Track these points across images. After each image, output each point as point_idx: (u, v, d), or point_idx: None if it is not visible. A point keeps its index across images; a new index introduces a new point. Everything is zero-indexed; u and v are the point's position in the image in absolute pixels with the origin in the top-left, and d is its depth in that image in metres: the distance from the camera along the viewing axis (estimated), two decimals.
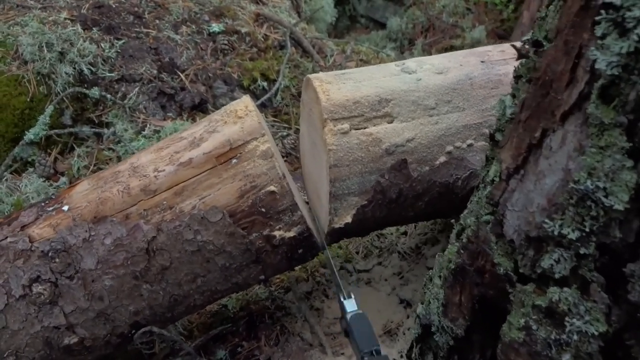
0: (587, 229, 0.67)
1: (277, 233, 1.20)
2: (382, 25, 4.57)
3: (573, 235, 0.68)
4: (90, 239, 1.15)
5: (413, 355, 1.19)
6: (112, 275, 1.16)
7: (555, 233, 0.70)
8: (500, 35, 4.05)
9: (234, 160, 1.18)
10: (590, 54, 0.62)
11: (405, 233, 1.75)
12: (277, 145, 2.27)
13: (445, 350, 1.07)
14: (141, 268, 1.16)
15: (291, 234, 1.21)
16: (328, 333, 1.46)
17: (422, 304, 1.10)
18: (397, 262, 1.64)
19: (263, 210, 1.18)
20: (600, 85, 0.63)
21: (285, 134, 2.38)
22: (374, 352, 0.99)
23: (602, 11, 0.60)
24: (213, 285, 1.24)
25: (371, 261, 1.68)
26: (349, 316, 1.07)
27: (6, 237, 1.17)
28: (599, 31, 0.61)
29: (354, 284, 1.59)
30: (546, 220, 0.71)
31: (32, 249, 1.15)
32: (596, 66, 0.60)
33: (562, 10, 0.73)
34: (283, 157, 2.28)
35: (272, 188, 1.17)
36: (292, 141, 2.33)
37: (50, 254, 1.14)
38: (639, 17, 0.55)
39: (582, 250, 0.69)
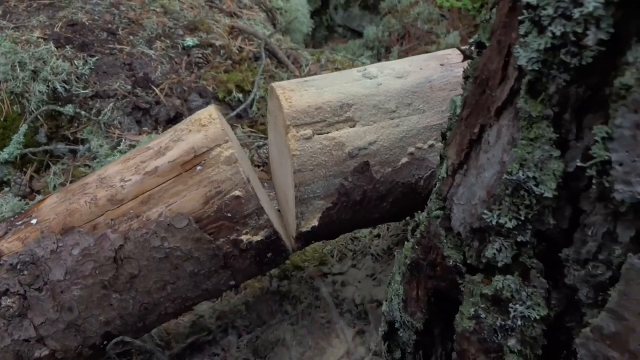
0: (522, 218, 0.70)
1: (244, 237, 1.22)
2: (359, 34, 4.63)
3: (510, 224, 0.71)
4: (58, 250, 1.17)
5: (383, 352, 1.22)
6: (80, 286, 1.17)
7: (494, 223, 0.73)
8: None
9: (199, 167, 1.20)
10: (515, 52, 0.65)
11: (378, 235, 1.78)
12: (252, 155, 2.30)
13: (411, 346, 1.09)
14: (109, 277, 1.18)
15: (258, 237, 1.24)
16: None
17: (385, 301, 1.12)
18: (370, 264, 1.67)
19: (229, 215, 1.20)
20: (527, 81, 0.66)
21: (261, 143, 2.40)
22: None
23: (524, 11, 0.64)
24: (183, 292, 1.25)
25: (346, 264, 1.70)
26: None
27: None
28: (522, 30, 0.64)
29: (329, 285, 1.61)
30: (485, 211, 0.74)
31: (1, 262, 1.16)
32: (518, 62, 0.64)
33: (496, 11, 0.77)
34: (259, 166, 2.31)
35: (237, 193, 1.20)
36: (268, 151, 2.35)
37: (18, 267, 1.16)
38: (552, 15, 0.58)
39: (519, 238, 0.72)
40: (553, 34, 0.59)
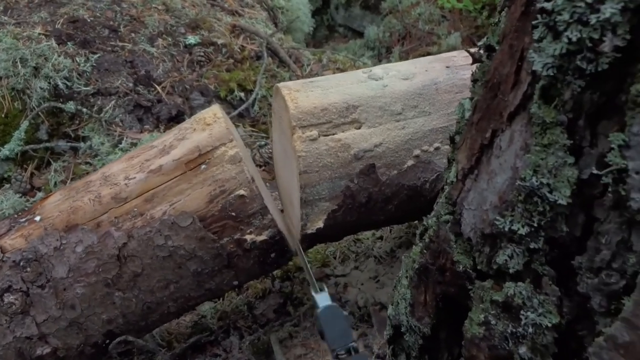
0: (535, 224, 0.70)
1: (248, 237, 1.22)
2: (360, 34, 4.62)
3: (523, 231, 0.71)
4: (61, 248, 1.16)
5: (387, 356, 1.21)
6: (83, 283, 1.16)
7: (507, 229, 0.72)
8: (475, 41, 4.12)
9: (203, 166, 1.20)
10: (529, 57, 0.65)
11: (381, 237, 1.78)
12: (254, 154, 2.29)
13: (416, 350, 1.09)
14: (113, 275, 1.17)
15: (262, 237, 1.23)
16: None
17: (392, 305, 1.12)
18: (373, 266, 1.66)
19: (233, 214, 1.20)
20: (540, 86, 0.66)
21: (263, 143, 2.39)
22: (351, 350, 0.88)
23: (539, 15, 0.63)
24: (186, 292, 1.25)
25: (348, 265, 1.70)
26: (319, 311, 0.95)
27: None
28: (536, 34, 0.64)
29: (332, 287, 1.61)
30: (498, 217, 0.74)
31: (4, 259, 1.16)
32: (533, 68, 0.63)
33: (507, 15, 0.76)
34: (261, 166, 2.30)
35: (241, 192, 1.19)
36: (270, 151, 2.34)
37: (21, 264, 1.15)
38: (568, 20, 0.58)
39: (532, 245, 0.71)
40: (569, 39, 0.59)
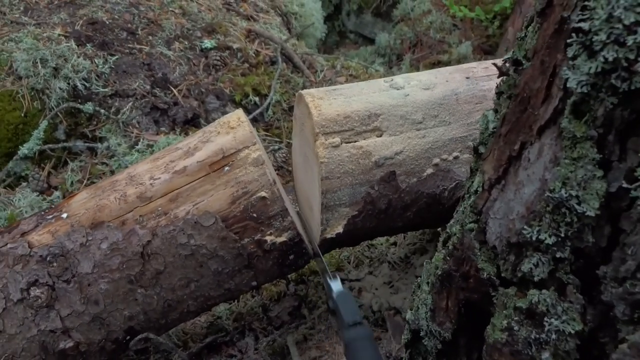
0: (562, 235, 0.72)
1: (268, 238, 1.25)
2: (371, 41, 4.65)
3: (550, 241, 0.73)
4: (87, 244, 1.19)
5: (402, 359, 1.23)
6: (107, 279, 1.19)
7: (534, 239, 0.75)
8: (486, 50, 4.15)
9: (227, 168, 1.23)
10: (563, 74, 0.67)
11: (395, 243, 1.80)
12: (268, 158, 2.32)
13: (433, 355, 1.11)
14: (136, 272, 1.20)
15: (282, 239, 1.26)
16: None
17: (411, 309, 1.14)
18: (387, 271, 1.69)
19: (254, 215, 1.23)
20: (572, 101, 0.68)
21: (277, 147, 2.42)
22: (357, 324, 1.07)
23: (573, 34, 0.66)
24: (206, 291, 1.27)
25: (362, 270, 1.72)
26: (334, 294, 1.14)
27: (6, 244, 1.21)
28: (570, 52, 0.67)
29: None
30: (525, 227, 0.76)
31: (31, 254, 1.18)
32: (568, 85, 0.66)
33: (539, 32, 0.79)
34: (274, 170, 2.33)
35: (263, 194, 1.22)
36: (284, 155, 2.38)
37: (48, 259, 1.18)
38: (605, 40, 0.61)
39: (558, 255, 0.74)
40: (605, 59, 0.61)
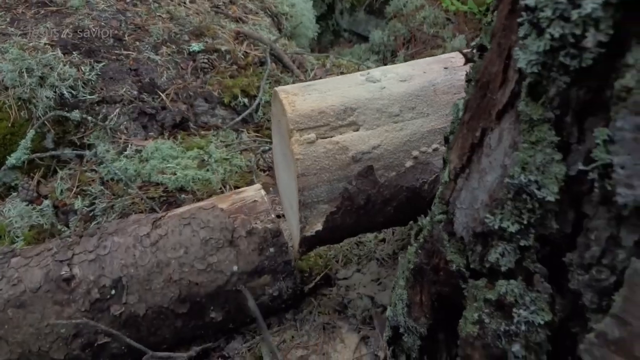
0: (525, 222, 0.70)
1: (252, 222, 1.39)
2: (365, 39, 4.63)
3: (513, 229, 0.71)
4: None
5: (387, 357, 1.21)
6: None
7: (496, 227, 0.72)
8: None
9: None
10: (515, 54, 0.65)
11: (383, 240, 1.77)
12: (258, 160, 2.30)
13: (416, 351, 1.08)
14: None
15: (265, 225, 1.39)
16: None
17: (390, 306, 1.12)
18: (375, 268, 1.66)
19: (246, 210, 1.39)
20: (527, 83, 0.66)
21: (267, 148, 2.40)
22: None
23: (523, 13, 0.64)
24: (191, 261, 1.35)
25: (351, 269, 1.70)
26: None
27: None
28: (521, 32, 0.64)
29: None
30: (488, 216, 0.74)
31: None
32: (518, 65, 0.63)
33: (497, 14, 0.76)
34: (264, 171, 2.31)
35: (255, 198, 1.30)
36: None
37: None
38: (551, 16, 0.58)
39: (522, 243, 0.71)
40: (552, 36, 0.59)
